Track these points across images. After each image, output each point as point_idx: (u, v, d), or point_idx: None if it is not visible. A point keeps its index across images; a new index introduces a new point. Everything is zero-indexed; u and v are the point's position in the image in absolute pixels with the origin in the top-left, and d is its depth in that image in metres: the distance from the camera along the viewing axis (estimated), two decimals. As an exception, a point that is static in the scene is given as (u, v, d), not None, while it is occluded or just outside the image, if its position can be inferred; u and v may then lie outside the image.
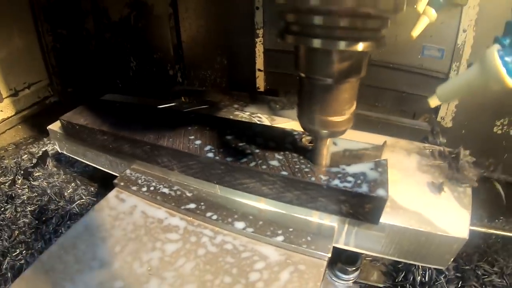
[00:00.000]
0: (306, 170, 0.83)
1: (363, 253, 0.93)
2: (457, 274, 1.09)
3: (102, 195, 1.12)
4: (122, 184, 1.07)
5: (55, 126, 1.30)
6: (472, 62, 1.00)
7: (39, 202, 1.36)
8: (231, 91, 1.80)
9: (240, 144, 0.95)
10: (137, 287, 0.78)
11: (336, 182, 0.79)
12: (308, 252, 0.83)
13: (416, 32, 0.93)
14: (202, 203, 0.98)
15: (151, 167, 1.10)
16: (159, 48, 1.99)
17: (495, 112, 1.40)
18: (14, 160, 1.63)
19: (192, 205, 0.97)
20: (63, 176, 1.51)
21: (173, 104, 1.41)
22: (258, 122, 1.26)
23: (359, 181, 0.79)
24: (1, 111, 1.84)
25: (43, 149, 1.71)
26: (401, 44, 1.40)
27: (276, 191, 0.86)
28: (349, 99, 0.71)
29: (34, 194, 1.40)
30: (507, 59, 0.55)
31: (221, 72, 2.00)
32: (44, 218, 1.29)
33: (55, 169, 1.55)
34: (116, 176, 1.11)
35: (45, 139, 1.82)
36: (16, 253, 1.15)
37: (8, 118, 1.88)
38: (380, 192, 0.76)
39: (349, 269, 0.97)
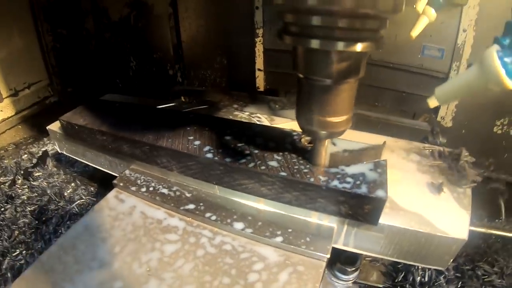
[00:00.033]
0: (305, 170, 0.83)
1: (362, 254, 0.93)
2: (457, 274, 1.09)
3: (102, 195, 1.12)
4: (121, 184, 1.07)
5: (54, 126, 1.30)
6: (472, 62, 1.00)
7: (39, 202, 1.36)
8: (231, 91, 1.80)
9: (239, 144, 0.95)
10: (136, 287, 0.78)
11: (335, 183, 0.79)
12: (307, 253, 0.83)
13: (415, 32, 0.93)
14: (201, 204, 0.98)
15: (150, 168, 1.10)
16: (159, 48, 1.99)
17: (495, 112, 1.40)
18: (14, 160, 1.63)
19: (191, 206, 0.97)
20: (63, 176, 1.51)
21: (172, 104, 1.40)
22: (258, 122, 1.26)
23: (358, 182, 0.79)
24: (1, 111, 1.84)
25: (43, 149, 1.71)
26: (401, 44, 1.40)
27: (275, 191, 0.86)
28: (348, 100, 0.71)
29: (34, 194, 1.40)
30: (506, 60, 0.54)
31: (221, 72, 2.00)
32: (44, 218, 1.29)
33: (55, 169, 1.55)
34: (116, 176, 1.12)
35: (45, 139, 1.82)
36: (16, 253, 1.15)
37: (8, 118, 1.88)
38: (379, 193, 0.76)
39: (349, 270, 0.97)
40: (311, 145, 0.90)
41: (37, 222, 1.27)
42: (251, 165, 0.86)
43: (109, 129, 1.09)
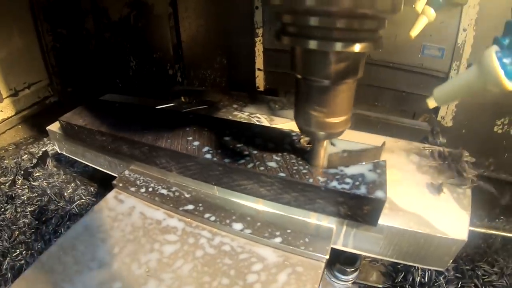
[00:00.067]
0: (304, 171, 0.83)
1: (362, 254, 0.93)
2: (457, 274, 1.09)
3: (102, 195, 1.12)
4: (121, 185, 1.07)
5: (54, 127, 1.30)
6: (472, 61, 1.00)
7: (39, 203, 1.36)
8: (230, 90, 1.80)
9: (238, 145, 0.95)
10: (135, 288, 0.78)
11: (334, 183, 0.79)
12: (306, 254, 0.83)
13: (414, 32, 0.92)
14: (200, 204, 0.98)
15: (149, 168, 1.10)
16: (158, 47, 1.99)
17: (495, 112, 1.39)
18: (14, 160, 1.64)
19: (190, 206, 0.97)
20: (63, 176, 1.51)
21: (172, 104, 1.40)
22: (257, 123, 1.25)
23: (357, 183, 0.79)
24: (1, 111, 1.84)
25: (43, 149, 1.71)
26: (401, 44, 1.40)
27: (274, 192, 0.86)
28: (346, 100, 0.70)
29: (34, 195, 1.40)
30: (505, 60, 0.54)
31: (221, 72, 1.99)
32: (44, 219, 1.29)
33: (55, 169, 1.56)
34: (115, 177, 1.12)
35: (45, 139, 1.82)
36: (16, 254, 1.15)
37: (8, 118, 1.89)
38: (379, 193, 0.75)
39: (348, 270, 0.97)
40: (310, 145, 0.89)
41: (37, 222, 1.28)
42: (250, 165, 0.86)
43: (108, 130, 1.09)
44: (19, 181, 1.47)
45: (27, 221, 1.28)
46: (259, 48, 1.77)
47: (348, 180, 0.80)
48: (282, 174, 0.82)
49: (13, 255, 1.15)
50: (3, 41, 1.81)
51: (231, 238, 0.90)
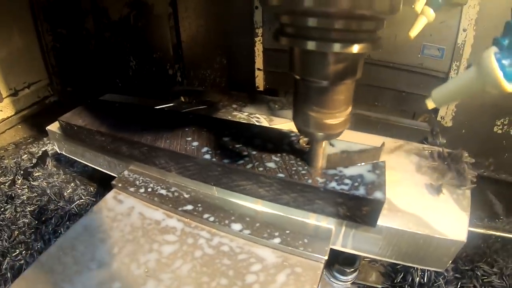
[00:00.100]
0: (303, 172, 0.83)
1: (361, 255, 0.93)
2: (456, 275, 1.08)
3: (102, 195, 1.12)
4: (120, 185, 1.07)
5: (54, 127, 1.30)
6: (472, 61, 0.99)
7: (38, 202, 1.36)
8: (230, 90, 1.80)
9: (237, 145, 0.95)
10: (134, 289, 0.78)
11: (333, 184, 0.79)
12: (305, 255, 0.83)
13: (414, 32, 0.92)
14: (199, 205, 0.98)
15: (149, 168, 1.10)
16: (158, 47, 1.99)
17: (495, 112, 1.39)
18: (14, 160, 1.64)
19: (190, 207, 0.97)
20: (63, 176, 1.51)
21: (171, 104, 1.40)
22: (256, 123, 1.25)
23: (356, 184, 0.79)
24: (1, 111, 1.85)
25: (43, 149, 1.71)
26: (401, 44, 1.39)
27: (273, 193, 0.86)
28: (345, 101, 0.70)
29: (33, 194, 1.40)
30: (504, 62, 0.53)
31: (221, 72, 1.99)
32: (43, 218, 1.29)
33: (54, 169, 1.56)
34: (115, 177, 1.12)
35: (45, 139, 1.82)
36: (15, 254, 1.15)
37: (8, 118, 1.89)
38: (378, 194, 0.75)
39: (347, 270, 0.96)
40: (309, 146, 0.89)
41: (36, 222, 1.28)
42: (249, 166, 0.86)
43: (108, 130, 1.09)
44: (19, 181, 1.48)
45: (27, 221, 1.28)
46: (258, 48, 1.77)
47: (347, 181, 0.80)
48: (281, 175, 0.82)
49: (13, 255, 1.15)
50: (3, 41, 1.81)
51: (230, 238, 0.90)
